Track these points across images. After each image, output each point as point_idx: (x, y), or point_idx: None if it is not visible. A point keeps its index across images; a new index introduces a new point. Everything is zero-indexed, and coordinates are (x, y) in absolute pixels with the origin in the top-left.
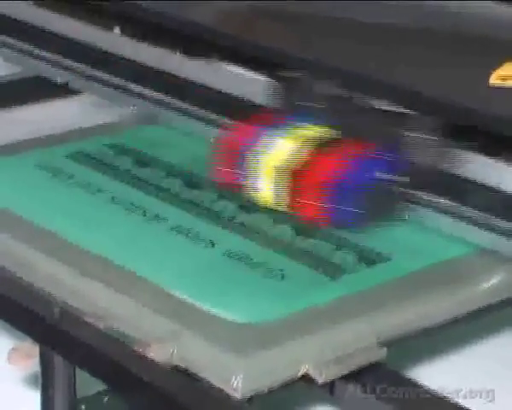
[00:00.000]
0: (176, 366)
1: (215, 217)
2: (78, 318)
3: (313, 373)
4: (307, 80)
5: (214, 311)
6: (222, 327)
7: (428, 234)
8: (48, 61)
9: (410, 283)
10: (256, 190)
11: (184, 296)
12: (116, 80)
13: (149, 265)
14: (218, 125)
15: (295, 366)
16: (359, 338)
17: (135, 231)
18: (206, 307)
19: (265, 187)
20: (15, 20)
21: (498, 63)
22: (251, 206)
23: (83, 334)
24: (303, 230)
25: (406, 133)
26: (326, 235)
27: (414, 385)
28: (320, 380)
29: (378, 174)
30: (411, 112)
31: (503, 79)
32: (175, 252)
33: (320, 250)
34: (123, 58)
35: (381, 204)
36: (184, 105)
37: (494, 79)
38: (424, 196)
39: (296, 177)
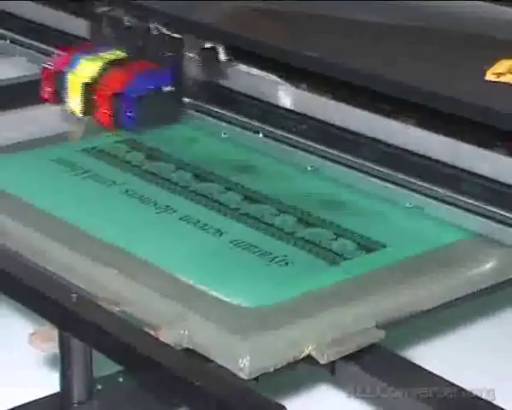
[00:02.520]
0: (186, 348)
1: (222, 208)
2: (94, 303)
3: (315, 354)
4: (110, 14)
5: (222, 296)
6: (229, 311)
7: (422, 222)
8: None
9: (406, 268)
10: (68, 103)
11: (193, 282)
12: None
13: (160, 252)
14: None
15: (298, 348)
16: (359, 321)
17: (147, 221)
18: (214, 292)
19: (73, 100)
20: (38, 23)
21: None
22: (255, 196)
23: (98, 318)
24: (304, 219)
25: (182, 54)
26: (326, 223)
27: (410, 365)
28: (322, 361)
29: (154, 85)
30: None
31: (498, 75)
32: (185, 241)
33: (321, 238)
34: None
35: (157, 109)
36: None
37: (489, 76)
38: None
39: (93, 90)
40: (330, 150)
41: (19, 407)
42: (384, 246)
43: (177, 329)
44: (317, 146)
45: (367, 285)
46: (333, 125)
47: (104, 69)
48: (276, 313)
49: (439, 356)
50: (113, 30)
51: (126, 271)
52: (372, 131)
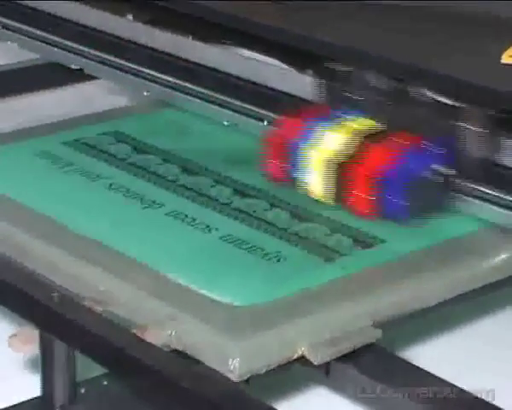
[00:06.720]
0: (174, 349)
1: (211, 202)
2: (78, 302)
3: (309, 355)
4: (353, 73)
5: (211, 294)
6: (218, 310)
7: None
8: (62, 47)
9: (404, 264)
10: (306, 183)
11: (181, 280)
12: (130, 65)
13: (147, 250)
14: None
15: (291, 348)
16: (355, 320)
17: (132, 217)
18: (202, 290)
19: (315, 180)
20: (30, 8)
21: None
22: (246, 190)
23: (82, 318)
24: (298, 213)
25: (455, 125)
26: (321, 218)
27: (408, 366)
28: (316, 361)
29: (426, 166)
30: (460, 103)
31: None
32: (172, 237)
33: (315, 234)
34: (136, 43)
35: (430, 196)
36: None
37: (506, 58)
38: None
39: (345, 170)
40: None
41: None
42: (383, 241)
43: (165, 329)
44: None
45: (363, 283)
46: None
47: (357, 143)
48: (268, 312)
49: (435, 356)
50: (359, 92)
51: (112, 269)
52: None
